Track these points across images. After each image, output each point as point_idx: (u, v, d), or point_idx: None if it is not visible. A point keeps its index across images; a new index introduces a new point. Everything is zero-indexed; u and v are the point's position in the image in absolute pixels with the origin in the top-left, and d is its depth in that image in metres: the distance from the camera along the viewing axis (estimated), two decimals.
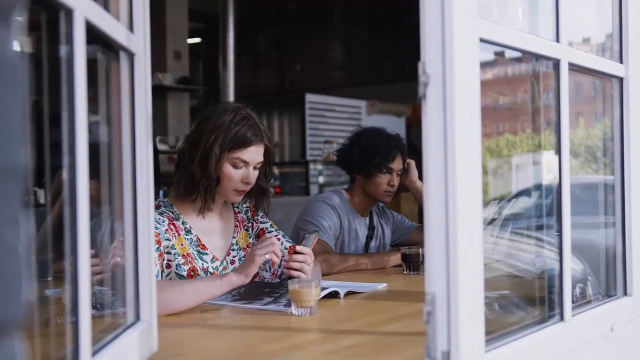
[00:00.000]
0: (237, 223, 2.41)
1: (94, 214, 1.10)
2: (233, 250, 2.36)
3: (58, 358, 1.07)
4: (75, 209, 1.01)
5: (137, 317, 1.38)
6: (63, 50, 1.01)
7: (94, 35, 1.12)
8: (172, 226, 2.20)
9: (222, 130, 2.19)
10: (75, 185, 1.01)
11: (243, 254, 2.37)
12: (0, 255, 0.55)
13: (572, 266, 1.58)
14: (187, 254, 2.21)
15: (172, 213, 2.24)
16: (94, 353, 1.09)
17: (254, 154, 2.24)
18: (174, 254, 2.17)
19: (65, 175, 1.01)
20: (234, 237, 2.37)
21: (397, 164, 3.03)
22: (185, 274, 2.18)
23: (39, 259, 1.46)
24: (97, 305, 1.35)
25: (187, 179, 2.23)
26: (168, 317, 1.86)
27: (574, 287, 1.66)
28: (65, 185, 1.01)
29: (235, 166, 2.22)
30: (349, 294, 2.20)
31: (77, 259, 1.01)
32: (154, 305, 1.41)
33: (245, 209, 2.45)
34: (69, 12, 1.00)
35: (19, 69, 0.57)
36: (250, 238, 2.42)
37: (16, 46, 0.58)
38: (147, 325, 1.39)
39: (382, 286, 2.37)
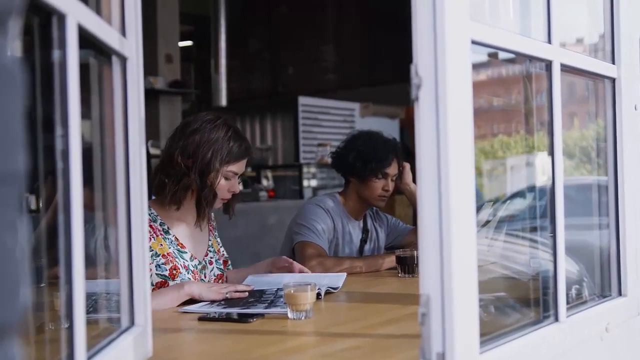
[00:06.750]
0: (211, 228, 2.51)
1: (87, 220, 1.10)
2: (210, 251, 2.45)
3: None
4: (69, 215, 1.00)
5: (132, 322, 1.38)
6: (55, 54, 1.01)
7: (86, 40, 1.11)
8: (149, 228, 2.24)
9: (218, 145, 2.27)
10: (69, 191, 1.00)
11: (217, 256, 2.47)
12: (0, 259, 0.55)
13: (567, 268, 1.58)
14: (168, 253, 2.27)
15: (150, 215, 2.28)
16: (89, 358, 1.09)
17: (244, 165, 2.37)
18: (152, 255, 2.23)
19: (58, 180, 1.00)
20: (209, 240, 2.47)
21: (392, 169, 3.02)
22: (167, 273, 2.24)
23: (33, 265, 1.45)
24: (90, 309, 1.34)
25: (182, 189, 2.28)
26: (163, 322, 1.85)
27: (570, 289, 1.66)
28: (59, 191, 1.01)
29: (226, 178, 2.32)
30: (328, 293, 2.24)
31: (72, 264, 1.01)
32: (148, 310, 1.41)
33: (213, 217, 2.55)
34: (62, 17, 0.99)
35: (17, 74, 0.57)
36: (219, 245, 2.53)
37: (13, 51, 0.58)
38: (142, 330, 1.39)
39: (342, 276, 2.41)
